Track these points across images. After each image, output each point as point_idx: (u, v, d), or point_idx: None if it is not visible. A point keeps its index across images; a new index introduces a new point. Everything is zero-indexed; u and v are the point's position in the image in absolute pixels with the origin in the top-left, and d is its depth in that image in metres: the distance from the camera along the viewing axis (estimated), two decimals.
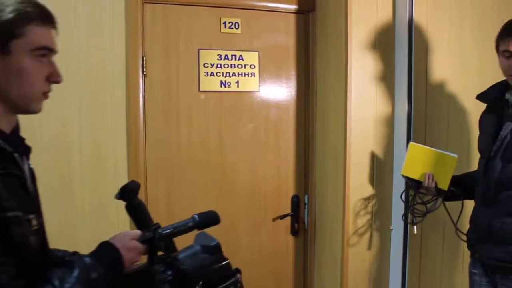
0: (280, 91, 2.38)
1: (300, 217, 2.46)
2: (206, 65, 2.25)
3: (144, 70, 2.15)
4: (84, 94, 1.99)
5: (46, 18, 0.94)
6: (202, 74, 2.24)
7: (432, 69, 2.27)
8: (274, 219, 2.39)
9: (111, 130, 2.04)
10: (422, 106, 2.25)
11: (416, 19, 2.19)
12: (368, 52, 2.19)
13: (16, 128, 1.00)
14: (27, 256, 0.88)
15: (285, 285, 2.46)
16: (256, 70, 2.33)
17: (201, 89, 2.25)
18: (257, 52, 2.32)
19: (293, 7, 2.35)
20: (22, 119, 2.00)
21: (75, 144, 1.98)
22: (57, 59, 0.95)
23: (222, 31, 2.26)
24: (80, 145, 1.98)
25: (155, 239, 1.04)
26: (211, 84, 2.26)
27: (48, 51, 0.95)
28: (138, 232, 1.04)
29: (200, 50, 2.24)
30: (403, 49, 2.19)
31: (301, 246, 2.48)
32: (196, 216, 1.10)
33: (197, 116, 2.24)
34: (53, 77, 0.96)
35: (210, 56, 2.24)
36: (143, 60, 2.14)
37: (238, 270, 1.09)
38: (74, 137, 1.98)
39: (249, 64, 2.31)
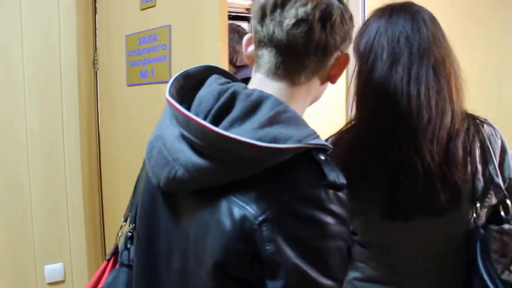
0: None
1: None
2: (130, 54, 1.81)
3: (96, 65, 2.06)
4: (32, 89, 1.94)
5: None
6: (127, 64, 1.83)
7: None
8: None
9: (65, 127, 1.99)
10: None
11: None
12: None
13: None
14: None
15: None
16: (167, 52, 1.63)
17: (128, 83, 1.85)
18: (168, 26, 1.61)
19: None
20: None
21: (23, 141, 1.93)
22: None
23: (141, 8, 1.74)
24: (28, 142, 1.94)
25: None
26: (134, 75, 1.81)
27: None
28: None
29: (127, 37, 1.83)
30: None
31: None
32: None
33: (125, 114, 1.90)
34: None
35: (133, 42, 1.80)
36: (94, 55, 2.05)
37: None
38: (22, 134, 1.93)
39: (161, 45, 1.66)
